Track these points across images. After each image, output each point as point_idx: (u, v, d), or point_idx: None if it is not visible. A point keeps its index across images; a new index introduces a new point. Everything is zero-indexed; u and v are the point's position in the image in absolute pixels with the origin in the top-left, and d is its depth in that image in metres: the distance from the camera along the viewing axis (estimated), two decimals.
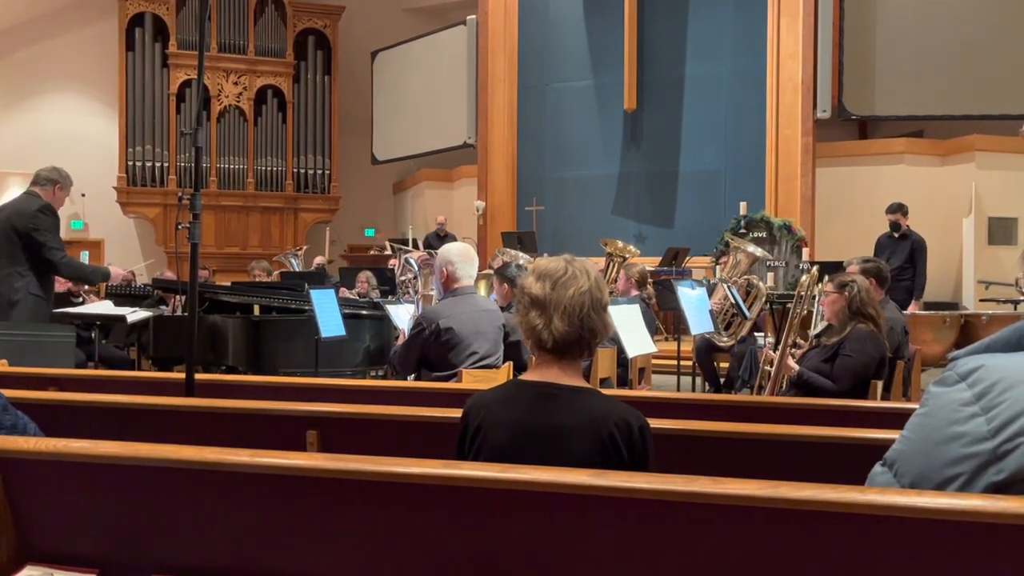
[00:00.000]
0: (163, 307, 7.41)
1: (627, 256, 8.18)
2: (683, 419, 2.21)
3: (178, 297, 6.96)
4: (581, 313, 1.79)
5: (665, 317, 8.85)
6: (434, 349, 3.65)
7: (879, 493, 1.24)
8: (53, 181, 4.89)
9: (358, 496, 1.51)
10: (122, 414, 2.49)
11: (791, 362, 3.97)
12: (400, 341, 4.43)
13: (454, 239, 10.56)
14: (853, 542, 1.26)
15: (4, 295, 4.65)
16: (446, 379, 3.60)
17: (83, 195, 12.71)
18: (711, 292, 6.62)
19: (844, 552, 1.27)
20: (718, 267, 8.76)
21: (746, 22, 10.26)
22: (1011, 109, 9.37)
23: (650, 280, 7.37)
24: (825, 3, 9.64)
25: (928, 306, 8.06)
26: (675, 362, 6.39)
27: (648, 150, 10.90)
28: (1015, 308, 7.78)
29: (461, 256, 3.81)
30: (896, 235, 7.79)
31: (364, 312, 6.04)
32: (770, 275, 8.70)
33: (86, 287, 6.32)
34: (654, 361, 6.21)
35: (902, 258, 7.62)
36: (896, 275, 6.90)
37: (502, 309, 4.39)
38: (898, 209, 7.83)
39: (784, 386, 4.06)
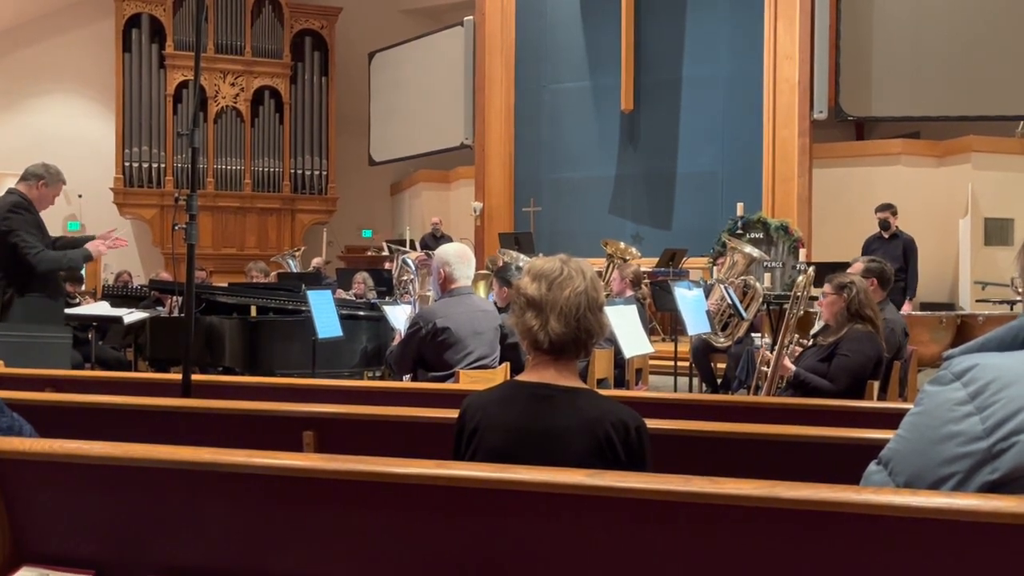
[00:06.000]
0: (160, 308, 7.41)
1: (628, 257, 8.19)
2: (680, 419, 2.22)
3: (175, 298, 6.96)
4: (577, 313, 1.79)
5: (662, 318, 8.85)
6: (430, 349, 3.65)
7: (874, 492, 1.24)
8: (38, 176, 4.69)
9: (354, 496, 1.51)
10: (118, 415, 2.48)
11: (788, 362, 3.97)
12: (397, 341, 4.43)
13: (450, 240, 10.57)
14: (849, 541, 1.26)
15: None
16: (443, 379, 3.60)
17: (80, 196, 12.70)
18: (708, 293, 6.63)
19: (840, 551, 1.28)
20: (715, 268, 8.77)
21: (743, 23, 10.27)
22: (1007, 110, 9.38)
23: (645, 280, 7.38)
24: (822, 4, 9.65)
25: (924, 307, 8.07)
26: (672, 363, 6.39)
27: (645, 151, 10.91)
28: (1011, 308, 7.80)
29: (458, 257, 3.81)
30: (886, 235, 7.81)
31: (361, 313, 6.04)
32: (767, 276, 8.70)
33: (82, 287, 6.30)
34: (651, 362, 6.21)
35: (893, 259, 7.62)
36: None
37: (500, 310, 4.39)
38: (887, 208, 7.86)
39: (782, 386, 4.06)
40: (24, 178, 4.73)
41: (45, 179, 4.72)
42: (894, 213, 7.85)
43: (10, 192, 4.72)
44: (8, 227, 4.51)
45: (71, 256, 4.77)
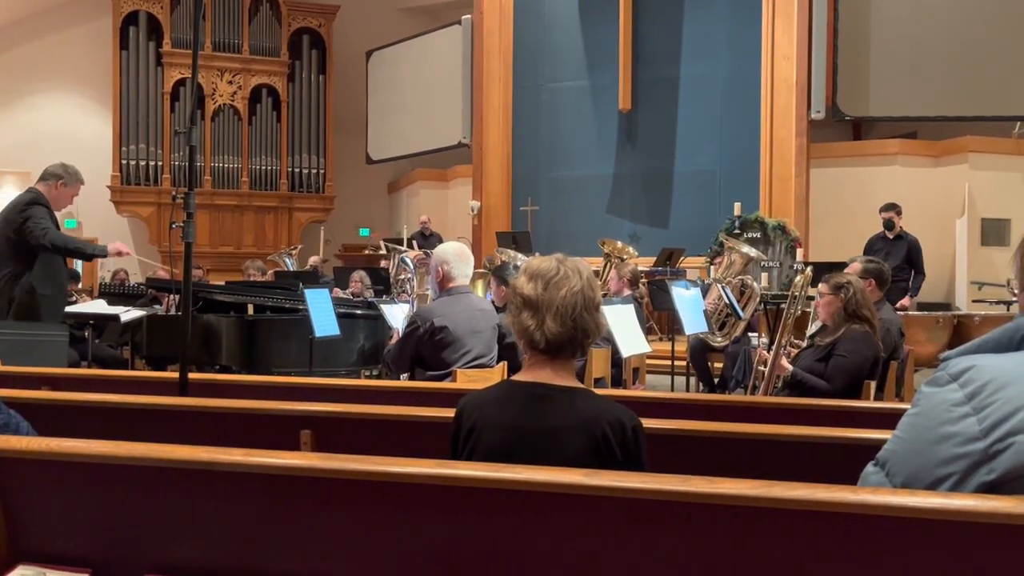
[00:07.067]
0: (157, 306, 7.40)
1: (625, 257, 8.19)
2: (677, 419, 2.22)
3: (172, 296, 6.95)
4: (574, 313, 1.79)
5: (659, 317, 8.86)
6: (428, 348, 3.65)
7: (871, 493, 1.24)
8: (57, 176, 4.78)
9: (352, 496, 1.50)
10: (115, 413, 2.48)
11: (785, 362, 3.97)
12: (394, 340, 4.42)
13: (439, 238, 10.58)
14: (846, 541, 1.27)
15: (4, 294, 4.57)
16: (440, 378, 3.60)
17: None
18: (705, 292, 6.63)
19: (837, 551, 1.28)
20: (712, 267, 8.77)
21: (741, 23, 10.27)
22: (1004, 110, 9.40)
23: (643, 280, 7.38)
24: (820, 4, 9.66)
25: (921, 306, 8.07)
26: (669, 362, 6.40)
27: (643, 150, 10.91)
28: (1007, 309, 7.80)
29: (457, 255, 3.81)
30: (890, 236, 7.76)
31: (358, 312, 6.03)
32: (764, 275, 8.71)
33: (79, 285, 6.30)
34: (648, 361, 6.22)
35: (898, 259, 7.59)
36: (893, 276, 6.89)
37: (498, 309, 4.39)
38: (892, 208, 7.78)
39: (779, 386, 4.07)
40: (43, 178, 4.81)
41: (64, 179, 4.81)
42: (899, 213, 7.75)
43: (29, 191, 4.81)
44: (25, 216, 4.60)
45: (90, 246, 4.84)
